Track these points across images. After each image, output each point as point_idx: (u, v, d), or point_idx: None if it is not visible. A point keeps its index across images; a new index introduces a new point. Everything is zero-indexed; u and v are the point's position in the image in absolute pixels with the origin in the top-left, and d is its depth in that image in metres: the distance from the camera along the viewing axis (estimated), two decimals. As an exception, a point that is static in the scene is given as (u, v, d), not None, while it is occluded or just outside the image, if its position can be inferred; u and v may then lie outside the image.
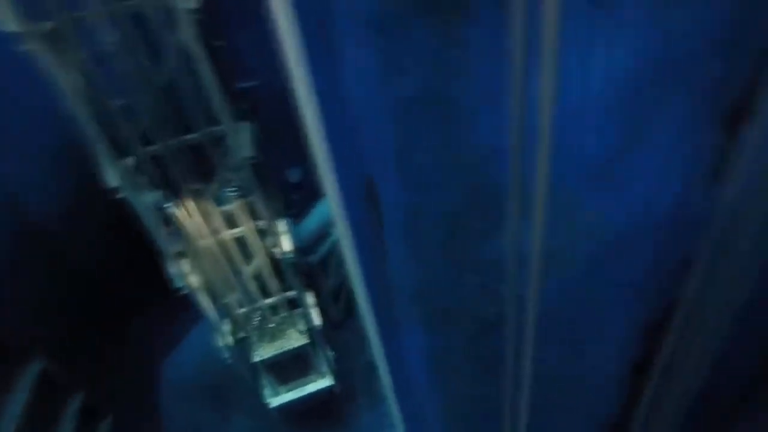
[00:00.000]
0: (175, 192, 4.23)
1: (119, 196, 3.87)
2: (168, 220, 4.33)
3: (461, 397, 2.20)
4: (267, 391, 5.61)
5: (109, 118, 3.80)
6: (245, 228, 4.67)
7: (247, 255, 4.97)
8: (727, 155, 1.80)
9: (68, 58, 3.47)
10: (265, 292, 5.25)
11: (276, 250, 4.62)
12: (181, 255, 4.58)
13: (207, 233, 4.56)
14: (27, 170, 5.12)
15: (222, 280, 4.89)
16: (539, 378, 2.05)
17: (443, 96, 1.36)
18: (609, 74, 1.49)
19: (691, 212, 1.95)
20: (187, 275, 4.48)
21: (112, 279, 5.87)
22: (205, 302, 4.81)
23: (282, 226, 4.75)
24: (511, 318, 1.84)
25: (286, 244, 4.65)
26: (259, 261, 4.92)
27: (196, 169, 4.28)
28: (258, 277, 5.15)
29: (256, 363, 5.27)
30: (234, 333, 5.31)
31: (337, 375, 5.76)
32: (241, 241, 4.84)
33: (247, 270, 4.95)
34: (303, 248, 6.27)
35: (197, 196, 4.32)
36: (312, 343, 5.41)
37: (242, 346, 5.34)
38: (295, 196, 6.83)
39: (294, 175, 6.77)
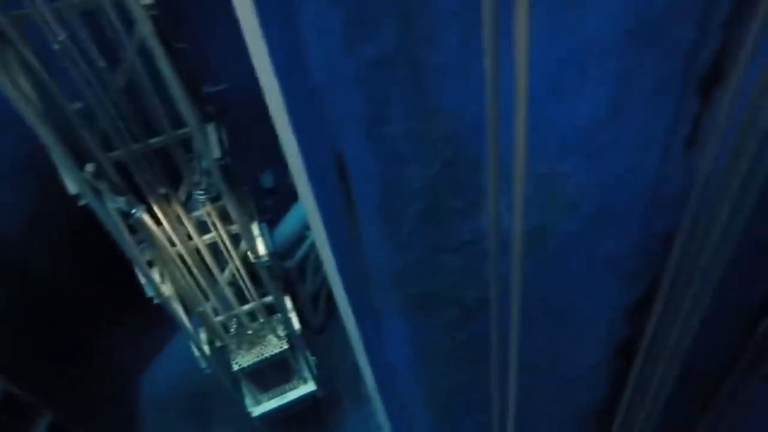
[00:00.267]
0: (140, 198, 4.02)
1: (81, 203, 3.65)
2: (135, 227, 4.12)
3: (447, 387, 2.09)
4: (248, 400, 5.39)
5: (66, 122, 3.58)
6: (217, 233, 4.48)
7: (221, 261, 4.78)
8: (702, 122, 1.74)
9: (12, 59, 3.25)
10: (242, 299, 5.05)
11: (250, 255, 4.44)
12: (151, 263, 4.37)
13: (177, 240, 4.35)
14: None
15: (196, 287, 4.68)
16: (525, 364, 1.94)
17: (412, 59, 1.25)
18: (582, 37, 1.40)
19: (670, 184, 1.88)
20: (158, 284, 4.27)
21: (81, 291, 5.59)
22: (179, 311, 4.59)
23: (255, 229, 4.58)
24: (494, 301, 1.73)
25: (261, 247, 4.48)
26: (234, 266, 4.73)
27: (162, 174, 4.09)
28: (233, 284, 4.95)
29: (235, 371, 5.06)
30: (211, 342, 5.10)
31: (320, 380, 5.59)
32: (214, 247, 4.64)
33: (222, 276, 4.75)
34: (279, 253, 6.10)
35: (165, 201, 4.12)
36: (292, 349, 5.23)
37: (220, 355, 5.13)
38: (269, 201, 6.65)
39: (267, 180, 6.59)
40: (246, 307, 5.06)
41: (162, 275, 4.50)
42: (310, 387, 5.47)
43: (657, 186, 1.84)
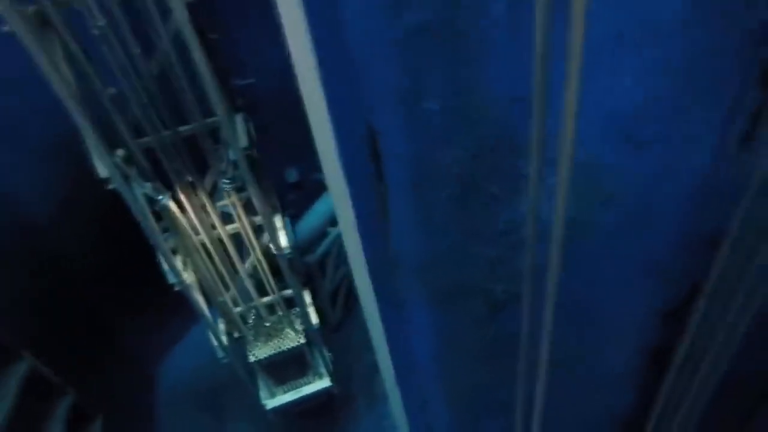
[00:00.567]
0: (167, 185, 4.02)
1: (109, 187, 3.65)
2: (161, 214, 4.11)
3: (470, 385, 1.98)
4: (263, 393, 5.34)
5: (100, 107, 3.59)
6: (241, 224, 4.45)
7: (243, 252, 4.75)
8: (761, 117, 1.61)
9: (53, 43, 3.27)
10: (262, 291, 5.01)
11: (272, 247, 4.40)
12: (174, 251, 4.36)
13: (201, 228, 4.34)
14: (18, 164, 4.90)
15: (217, 277, 4.66)
16: (554, 365, 1.83)
17: (456, 28, 1.16)
18: (643, 13, 1.30)
19: (720, 183, 1.75)
20: (180, 271, 4.25)
21: (106, 278, 5.62)
22: (199, 300, 4.57)
23: (278, 221, 4.53)
24: (527, 295, 1.62)
25: (283, 240, 4.43)
26: (255, 258, 4.69)
27: (190, 163, 4.07)
28: (254, 276, 4.92)
29: (252, 363, 5.02)
30: (229, 333, 5.07)
31: (336, 377, 5.51)
32: (236, 238, 4.62)
33: (243, 267, 4.72)
34: (300, 248, 6.05)
35: (191, 189, 4.11)
36: (309, 343, 5.16)
37: (238, 346, 5.09)
38: (292, 197, 6.62)
39: (291, 176, 6.57)
40: (265, 299, 5.01)
41: (184, 263, 4.48)
42: (325, 383, 5.39)
43: (705, 184, 1.71)
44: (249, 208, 4.40)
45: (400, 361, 1.73)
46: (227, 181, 4.02)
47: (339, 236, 6.36)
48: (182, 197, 4.09)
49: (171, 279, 4.22)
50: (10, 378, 4.02)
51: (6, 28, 2.94)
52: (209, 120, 3.93)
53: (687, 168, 1.66)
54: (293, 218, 6.22)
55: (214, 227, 4.41)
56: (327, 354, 5.51)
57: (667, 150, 1.60)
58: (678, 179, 1.68)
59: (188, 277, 4.45)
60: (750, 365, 2.32)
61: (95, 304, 5.61)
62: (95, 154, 3.56)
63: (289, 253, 4.44)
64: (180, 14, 3.24)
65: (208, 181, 4.20)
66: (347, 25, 1.18)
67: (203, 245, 4.42)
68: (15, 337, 4.22)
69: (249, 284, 4.83)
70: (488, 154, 1.37)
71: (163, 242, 3.99)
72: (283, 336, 5.10)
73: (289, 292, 4.97)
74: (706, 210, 1.79)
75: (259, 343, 5.06)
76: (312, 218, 6.15)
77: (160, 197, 3.89)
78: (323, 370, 5.45)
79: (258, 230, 4.57)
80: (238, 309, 4.97)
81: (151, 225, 3.91)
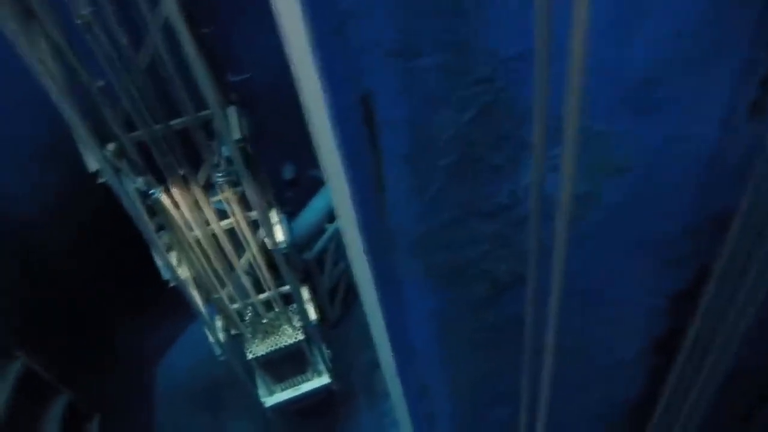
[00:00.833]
0: (160, 178, 3.90)
1: (100, 181, 3.53)
2: (155, 210, 4.00)
3: (473, 373, 1.88)
4: (261, 391, 5.22)
5: (89, 99, 3.48)
6: (236, 218, 4.34)
7: (239, 247, 4.63)
8: (774, 83, 1.51)
9: (37, 35, 3.16)
10: (259, 288, 4.90)
11: (268, 242, 4.28)
12: (169, 246, 4.25)
13: (196, 223, 4.22)
14: (10, 164, 4.78)
15: (213, 273, 4.54)
16: (559, 351, 1.72)
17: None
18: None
19: (730, 156, 1.65)
20: (174, 267, 4.13)
21: (102, 276, 5.51)
22: (194, 297, 4.46)
23: (274, 216, 4.42)
24: (531, 276, 1.52)
25: (279, 234, 4.32)
26: (251, 254, 4.58)
27: (182, 157, 3.96)
28: (251, 272, 4.81)
29: (249, 360, 4.90)
30: (226, 330, 4.96)
31: (335, 374, 5.39)
32: (232, 233, 4.50)
33: (239, 263, 4.61)
34: (298, 245, 5.94)
35: (184, 183, 3.99)
36: (307, 340, 5.05)
37: (235, 344, 4.97)
38: (289, 194, 6.51)
39: (288, 172, 6.46)
40: (262, 295, 4.90)
41: (179, 259, 4.37)
42: (324, 380, 5.28)
43: (714, 156, 1.61)
44: (245, 204, 4.29)
45: (400, 347, 1.63)
46: (220, 174, 3.91)
47: (337, 232, 6.25)
48: (175, 192, 3.97)
49: (165, 275, 4.10)
50: (4, 377, 3.92)
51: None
52: (202, 113, 3.83)
53: (696, 138, 1.56)
54: (290, 215, 6.11)
55: (208, 223, 4.29)
56: (326, 351, 5.39)
57: (676, 118, 1.50)
58: (687, 151, 1.58)
59: (183, 273, 4.33)
60: (761, 351, 2.22)
61: (91, 302, 5.49)
62: (84, 148, 3.45)
63: (285, 248, 4.33)
64: (169, 2, 3.13)
65: (201, 175, 4.09)
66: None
67: (198, 241, 4.30)
68: (9, 336, 4.12)
69: (245, 280, 4.71)
70: (487, 119, 1.26)
71: (155, 237, 3.87)
72: (280, 333, 4.99)
73: (286, 288, 4.85)
74: (716, 187, 1.69)
75: (256, 341, 4.94)
76: (309, 214, 6.04)
77: (152, 191, 3.77)
78: (322, 367, 5.34)
79: (254, 226, 4.46)
80: (235, 306, 4.86)
81: (143, 219, 3.80)
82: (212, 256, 4.42)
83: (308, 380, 5.29)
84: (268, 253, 4.57)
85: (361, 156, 1.25)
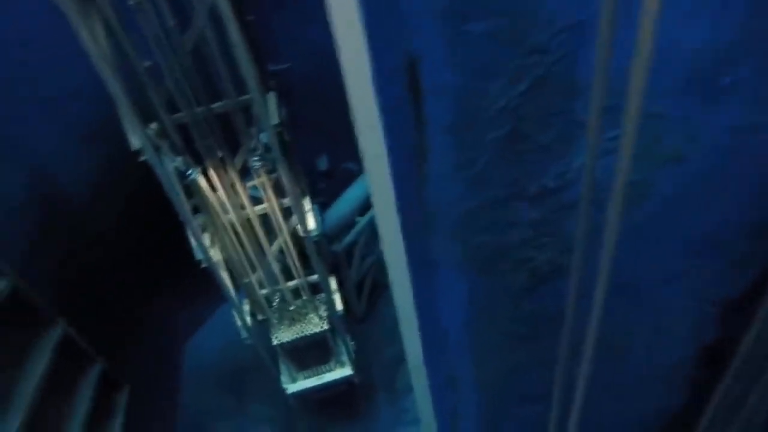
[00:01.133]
0: (198, 160, 3.94)
1: (141, 159, 3.58)
2: (191, 191, 4.03)
3: (503, 366, 1.78)
4: (284, 377, 5.22)
5: (135, 80, 3.54)
6: (270, 204, 4.34)
7: (271, 233, 4.64)
8: None
9: (91, 13, 3.22)
10: (288, 275, 4.90)
11: (300, 229, 4.27)
12: (203, 228, 4.28)
13: (231, 207, 4.25)
14: (57, 138, 4.94)
15: (244, 257, 4.56)
16: (599, 350, 1.61)
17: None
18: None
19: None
20: (207, 249, 4.17)
21: (139, 256, 5.63)
22: (225, 279, 4.49)
23: (307, 204, 4.41)
24: (575, 267, 1.41)
25: (311, 222, 4.30)
26: (283, 240, 4.58)
27: (221, 140, 3.99)
28: (281, 259, 4.81)
29: (274, 346, 4.90)
30: (253, 314, 4.98)
31: (358, 367, 5.34)
32: (265, 219, 4.51)
33: (270, 249, 4.61)
34: (328, 236, 5.92)
35: (222, 166, 4.02)
36: (332, 330, 5.02)
37: (261, 329, 4.99)
38: (322, 185, 6.51)
39: (322, 163, 6.45)
40: (291, 283, 4.89)
41: (212, 241, 4.41)
42: (347, 371, 5.24)
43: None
44: (279, 191, 4.29)
45: (429, 334, 1.55)
46: (257, 159, 3.91)
47: (367, 226, 6.20)
48: (212, 174, 4.00)
49: (198, 255, 4.13)
50: (46, 341, 4.09)
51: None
52: (242, 98, 3.84)
53: (761, 128, 1.43)
54: (323, 206, 6.10)
55: (243, 207, 4.31)
56: (350, 343, 5.35)
57: (742, 106, 1.37)
58: (751, 141, 1.44)
59: (215, 255, 4.36)
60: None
61: (128, 280, 5.63)
62: (128, 126, 3.50)
63: (316, 236, 4.30)
64: (216, -14, 3.14)
65: (239, 159, 4.11)
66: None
67: (231, 225, 4.33)
68: (52, 304, 4.28)
69: (275, 266, 4.72)
70: (539, 92, 1.17)
71: (191, 217, 3.91)
72: (306, 321, 4.97)
73: (314, 277, 4.83)
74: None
75: (282, 327, 4.94)
76: (341, 206, 6.01)
77: (190, 172, 3.81)
78: (345, 358, 5.30)
79: (287, 213, 4.46)
80: (264, 291, 4.87)
81: (180, 199, 3.84)
82: (245, 240, 4.44)
83: (331, 370, 5.26)
84: (299, 241, 4.56)
85: (403, 125, 1.18)
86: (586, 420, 1.87)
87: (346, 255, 6.21)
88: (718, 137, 1.40)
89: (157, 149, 3.61)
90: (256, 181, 4.18)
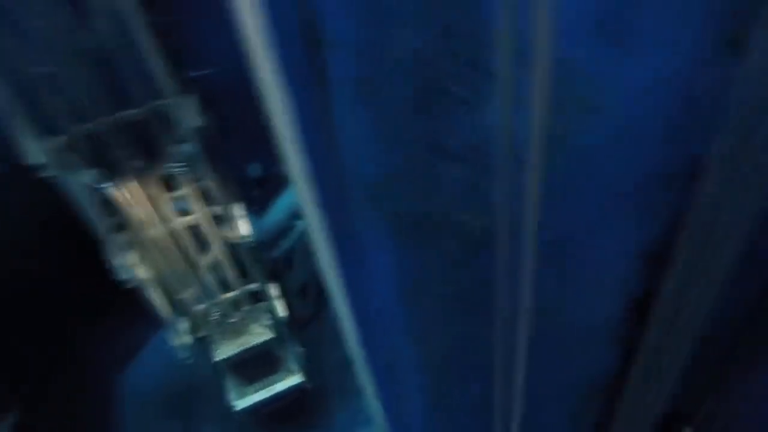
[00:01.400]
0: (114, 172, 3.61)
1: (45, 174, 3.23)
2: (109, 206, 3.69)
3: (444, 345, 1.70)
4: (233, 394, 4.92)
5: (30, 87, 3.18)
6: (199, 214, 4.07)
7: (203, 244, 4.35)
8: (751, 17, 1.39)
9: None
10: (225, 286, 4.62)
11: (232, 235, 4.03)
12: (127, 245, 3.94)
13: (155, 220, 3.93)
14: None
15: (175, 273, 4.24)
16: (535, 312, 1.56)
17: None
18: None
19: (704, 96, 1.54)
20: (134, 268, 3.83)
21: (54, 282, 5.10)
22: (157, 298, 4.15)
23: (238, 210, 4.17)
24: (503, 232, 1.36)
25: (244, 228, 4.07)
26: (216, 250, 4.31)
27: (137, 147, 3.68)
28: (216, 269, 4.52)
29: (218, 362, 4.60)
30: (193, 331, 4.65)
31: (308, 373, 5.14)
32: (195, 230, 4.22)
33: (203, 261, 4.32)
34: (265, 243, 5.68)
35: (140, 175, 3.71)
36: (278, 338, 4.79)
37: (203, 345, 4.67)
38: (255, 192, 6.25)
39: (255, 170, 6.19)
40: (229, 294, 4.62)
41: (141, 259, 4.06)
42: (296, 378, 5.02)
43: (689, 97, 1.50)
44: (207, 197, 4.03)
45: (362, 314, 1.44)
46: (178, 166, 3.65)
47: (305, 230, 6.02)
48: (131, 185, 3.68)
49: (122, 275, 3.79)
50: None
51: None
52: (158, 102, 3.56)
53: (671, 76, 1.44)
54: (257, 214, 5.85)
55: (169, 218, 4.01)
56: (298, 349, 5.14)
57: (649, 52, 1.37)
58: (662, 89, 1.45)
59: (144, 272, 4.03)
60: (727, 311, 2.12)
61: (46, 316, 5.08)
62: (24, 139, 3.14)
63: (250, 242, 4.08)
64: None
65: (158, 168, 3.81)
66: None
67: (158, 239, 4.01)
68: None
69: (211, 279, 4.43)
70: (450, 42, 1.09)
71: (107, 234, 3.57)
72: (249, 332, 4.71)
73: (253, 286, 4.59)
74: (690, 129, 1.57)
75: (224, 341, 4.65)
76: (275, 212, 5.79)
77: (106, 185, 3.48)
78: (294, 365, 5.08)
79: (218, 222, 4.20)
80: (201, 306, 4.56)
81: (97, 218, 3.50)
82: (175, 254, 4.13)
83: (281, 380, 5.02)
84: (233, 250, 4.31)
85: (306, 86, 1.06)
86: (531, 387, 1.83)
87: (286, 259, 5.99)
88: (627, 86, 1.40)
89: (62, 164, 3.26)
90: (182, 191, 3.90)
